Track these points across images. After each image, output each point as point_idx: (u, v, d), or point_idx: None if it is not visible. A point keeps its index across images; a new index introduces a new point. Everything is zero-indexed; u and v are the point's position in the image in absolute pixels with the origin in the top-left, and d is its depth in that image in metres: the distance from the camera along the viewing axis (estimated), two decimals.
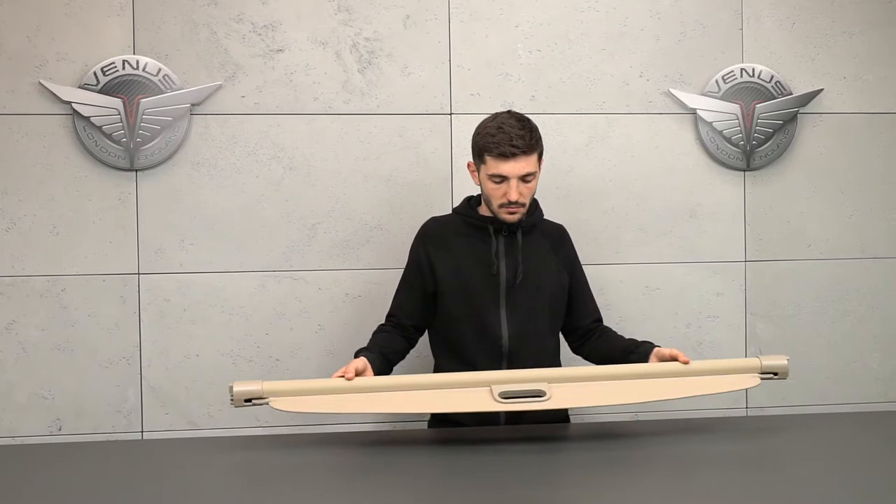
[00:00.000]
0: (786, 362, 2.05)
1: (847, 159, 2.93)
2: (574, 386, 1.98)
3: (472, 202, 2.34)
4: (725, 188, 2.88)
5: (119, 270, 2.66)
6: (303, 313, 2.73)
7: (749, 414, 2.90)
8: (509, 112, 2.20)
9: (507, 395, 1.94)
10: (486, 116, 2.24)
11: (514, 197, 2.15)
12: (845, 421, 2.27)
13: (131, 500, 1.62)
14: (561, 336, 2.42)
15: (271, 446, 2.03)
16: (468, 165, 2.27)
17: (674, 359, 2.07)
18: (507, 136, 2.12)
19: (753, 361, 2.05)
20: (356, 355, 2.13)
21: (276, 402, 1.91)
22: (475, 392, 1.95)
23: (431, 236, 2.33)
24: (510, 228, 2.25)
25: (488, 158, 2.15)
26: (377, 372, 2.09)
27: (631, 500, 1.60)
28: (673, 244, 2.87)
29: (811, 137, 2.91)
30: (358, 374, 1.99)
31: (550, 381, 1.97)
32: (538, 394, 1.94)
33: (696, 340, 2.87)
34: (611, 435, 2.11)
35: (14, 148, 2.61)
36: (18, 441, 2.62)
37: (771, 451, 1.91)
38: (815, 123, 2.91)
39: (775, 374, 2.05)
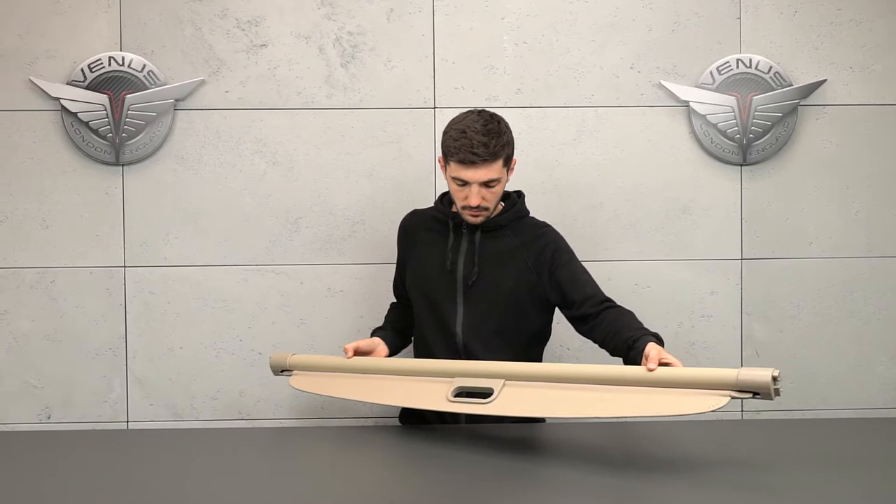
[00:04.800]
0: (769, 380, 1.64)
1: (853, 153, 2.79)
2: (527, 390, 1.93)
3: (445, 199, 2.34)
4: (720, 183, 2.78)
5: (105, 263, 2.72)
6: (285, 308, 2.74)
7: (744, 418, 2.79)
8: (479, 113, 2.15)
9: (459, 393, 1.96)
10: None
11: (474, 202, 2.14)
12: (846, 427, 2.17)
13: (116, 488, 1.67)
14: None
15: (249, 439, 2.08)
16: (439, 161, 2.25)
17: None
18: (470, 142, 2.08)
19: (729, 374, 1.69)
20: (372, 334, 2.36)
21: (293, 381, 2.26)
22: (435, 386, 2.01)
23: (406, 231, 2.40)
24: (472, 226, 2.24)
25: (451, 161, 2.14)
26: (391, 345, 2.32)
27: None
28: (665, 241, 2.78)
29: (814, 131, 2.78)
30: (360, 352, 2.21)
31: (509, 377, 1.94)
32: (486, 392, 1.91)
33: (688, 341, 2.78)
34: (587, 436, 2.07)
35: (5, 143, 2.68)
36: (9, 428, 2.69)
37: (763, 457, 1.81)
38: (817, 116, 2.78)
39: (756, 393, 1.67)
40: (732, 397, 1.69)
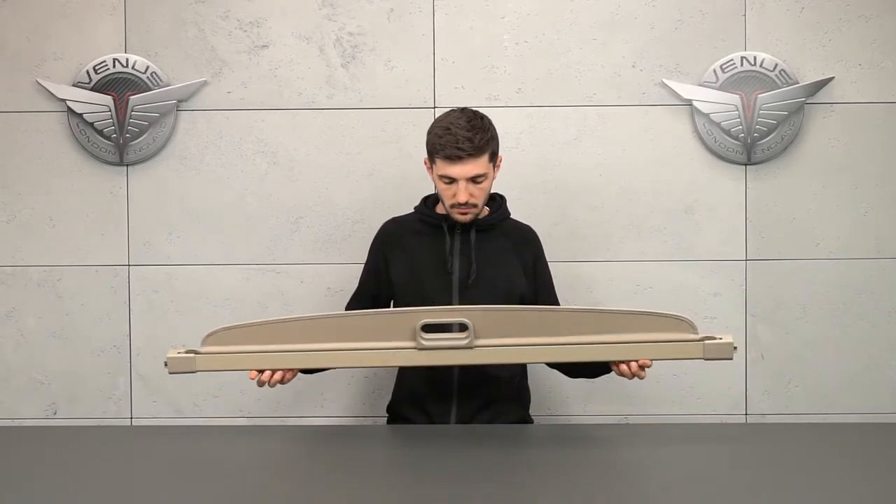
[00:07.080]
0: (730, 341, 1.94)
1: (862, 152, 2.74)
2: (505, 325, 1.87)
3: (428, 202, 2.34)
4: (724, 183, 2.74)
5: (110, 262, 2.76)
6: (286, 307, 2.76)
7: (748, 421, 2.75)
8: (462, 110, 2.17)
9: (430, 329, 1.86)
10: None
11: (462, 199, 2.13)
12: (854, 432, 2.11)
13: (119, 483, 1.69)
14: None
15: (249, 436, 2.08)
16: (424, 162, 2.25)
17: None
18: (454, 137, 2.09)
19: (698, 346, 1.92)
20: None
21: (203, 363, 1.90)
22: (396, 332, 1.88)
23: (389, 238, 2.33)
24: (464, 227, 2.22)
25: (437, 160, 2.14)
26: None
27: None
28: (667, 241, 2.75)
29: (821, 129, 2.73)
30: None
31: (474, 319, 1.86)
32: (461, 326, 1.86)
33: None
34: (582, 437, 2.04)
35: (13, 144, 2.74)
36: (16, 423, 2.75)
37: (768, 463, 1.76)
38: (824, 114, 2.73)
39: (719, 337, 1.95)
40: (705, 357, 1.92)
